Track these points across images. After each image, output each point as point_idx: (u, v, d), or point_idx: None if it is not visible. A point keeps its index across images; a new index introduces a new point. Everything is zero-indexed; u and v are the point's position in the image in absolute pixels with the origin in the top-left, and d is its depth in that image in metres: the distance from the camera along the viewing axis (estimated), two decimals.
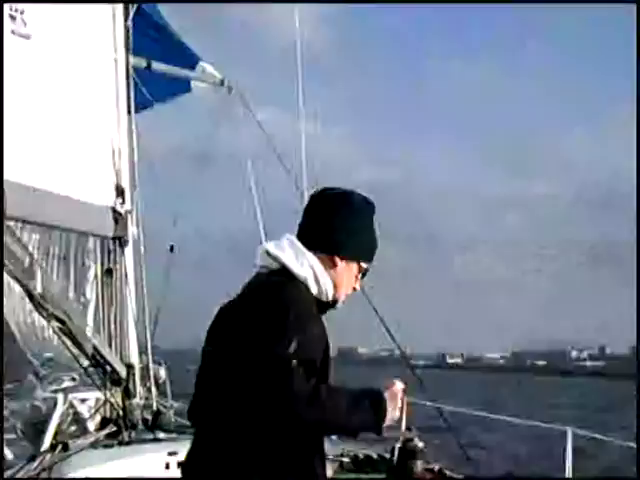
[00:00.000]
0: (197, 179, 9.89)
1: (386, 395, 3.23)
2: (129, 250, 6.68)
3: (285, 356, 3.02)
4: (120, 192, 6.54)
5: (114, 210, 6.38)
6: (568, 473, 6.23)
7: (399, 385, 3.32)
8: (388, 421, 3.23)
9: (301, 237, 3.46)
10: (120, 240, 6.50)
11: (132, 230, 6.68)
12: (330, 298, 3.42)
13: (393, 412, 3.25)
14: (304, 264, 3.37)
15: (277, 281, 3.31)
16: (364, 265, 3.53)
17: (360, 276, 3.54)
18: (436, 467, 4.01)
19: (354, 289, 3.58)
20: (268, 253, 3.39)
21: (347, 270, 3.48)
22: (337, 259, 3.44)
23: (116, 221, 6.34)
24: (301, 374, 3.02)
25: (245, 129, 9.10)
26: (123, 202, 6.52)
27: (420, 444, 3.73)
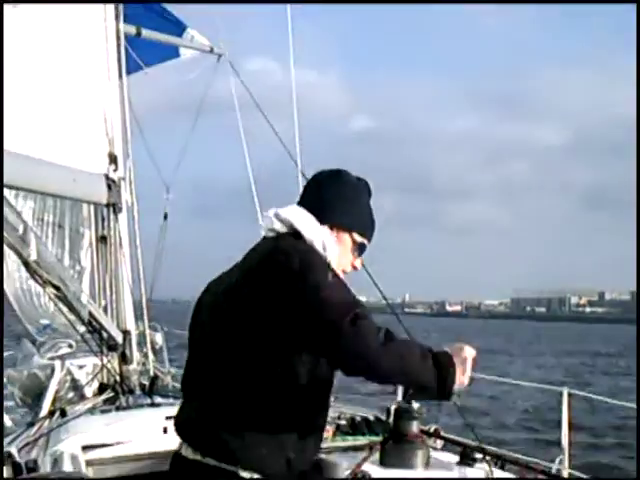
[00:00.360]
0: (192, 132, 9.91)
1: (456, 360, 3.11)
2: (123, 217, 6.66)
3: (351, 299, 3.11)
4: (113, 159, 6.51)
5: (107, 177, 6.35)
6: (564, 434, 6.27)
7: (469, 350, 3.18)
8: (457, 387, 3.09)
9: (299, 203, 3.53)
10: (114, 207, 6.47)
11: (126, 197, 6.66)
12: (333, 266, 3.39)
13: (462, 378, 3.11)
14: (314, 229, 3.41)
15: (296, 242, 3.35)
16: (358, 239, 3.55)
17: (357, 253, 3.55)
18: (432, 428, 4.03)
19: (354, 267, 3.59)
20: (278, 216, 3.43)
21: (341, 242, 3.50)
22: (330, 229, 3.47)
23: (109, 188, 6.32)
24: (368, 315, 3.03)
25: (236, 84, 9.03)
26: (116, 169, 6.50)
27: (416, 405, 3.76)
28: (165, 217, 9.29)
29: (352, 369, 3.05)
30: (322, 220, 3.45)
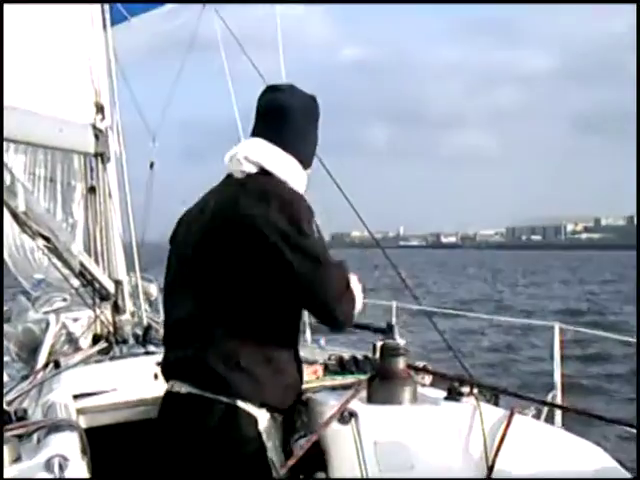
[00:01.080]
0: (179, 76, 9.83)
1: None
2: (111, 166, 6.64)
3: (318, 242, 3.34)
4: (99, 109, 6.49)
5: (94, 127, 6.34)
6: (556, 369, 6.28)
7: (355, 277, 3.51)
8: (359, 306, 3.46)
9: (267, 138, 3.58)
10: (102, 157, 6.46)
11: (114, 146, 6.64)
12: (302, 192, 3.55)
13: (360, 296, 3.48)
14: (285, 168, 3.51)
15: (274, 181, 3.47)
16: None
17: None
18: (420, 364, 4.03)
19: None
20: (248, 159, 3.46)
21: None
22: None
23: (97, 137, 6.30)
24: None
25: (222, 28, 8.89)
26: (103, 118, 6.47)
27: (402, 342, 3.76)
28: (151, 166, 9.24)
29: (336, 329, 3.50)
30: (300, 160, 3.60)
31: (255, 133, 3.63)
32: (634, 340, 6.88)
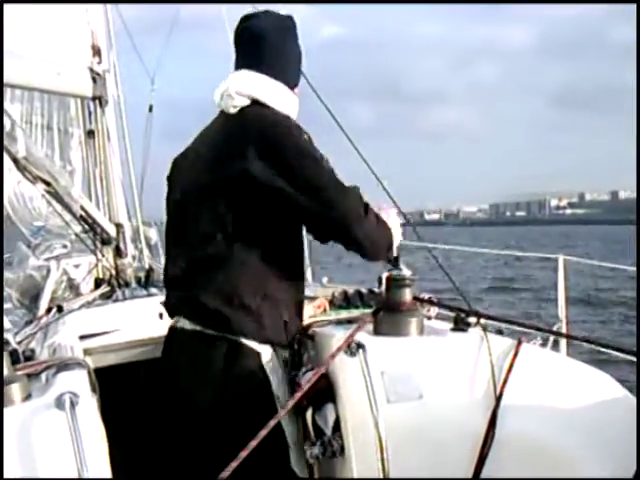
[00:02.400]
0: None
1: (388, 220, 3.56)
2: (110, 110, 6.62)
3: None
4: (96, 51, 6.45)
5: (91, 70, 6.30)
6: (560, 301, 6.30)
7: (392, 210, 3.65)
8: (397, 242, 3.59)
9: (250, 67, 3.59)
10: (100, 100, 6.43)
11: (111, 90, 6.61)
12: (295, 116, 3.61)
13: (398, 231, 3.60)
14: (279, 98, 3.54)
15: (268, 111, 3.49)
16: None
17: None
18: (426, 296, 4.03)
19: None
20: (240, 93, 3.49)
21: None
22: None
23: (94, 81, 6.27)
24: None
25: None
26: (100, 61, 6.44)
27: (408, 273, 3.76)
28: (150, 109, 9.20)
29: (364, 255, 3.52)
30: (288, 82, 3.63)
31: (238, 65, 3.63)
32: (634, 269, 6.89)
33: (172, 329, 3.55)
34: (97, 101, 6.43)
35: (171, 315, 3.60)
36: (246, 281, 3.35)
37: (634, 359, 3.65)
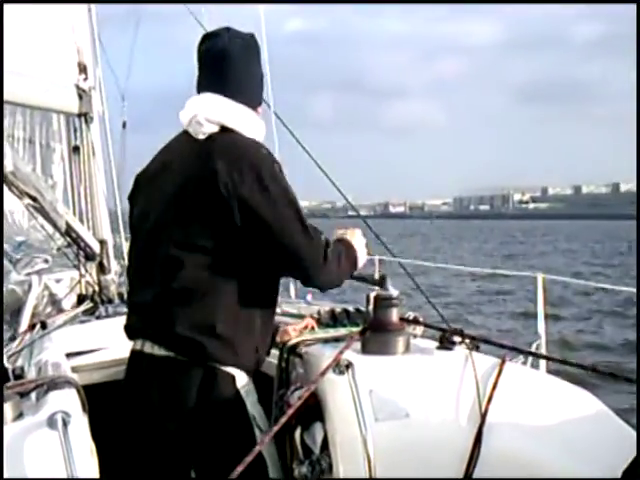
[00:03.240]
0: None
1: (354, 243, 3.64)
2: (95, 126, 6.63)
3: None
4: (82, 69, 6.47)
5: (77, 87, 6.32)
6: (540, 319, 6.35)
7: (357, 231, 3.71)
8: (362, 262, 3.63)
9: (215, 89, 3.60)
10: (85, 117, 6.45)
11: (97, 106, 6.63)
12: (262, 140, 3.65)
13: (363, 251, 3.67)
14: (244, 119, 3.57)
15: (237, 137, 3.52)
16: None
17: None
18: (411, 315, 4.09)
19: None
20: (210, 120, 3.50)
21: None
22: (258, 108, 3.72)
23: (80, 97, 6.29)
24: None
25: None
26: (86, 78, 6.45)
27: (395, 292, 3.81)
28: (124, 126, 9.23)
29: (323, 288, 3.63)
30: (252, 103, 3.66)
31: (201, 85, 3.64)
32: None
33: (138, 353, 3.54)
34: (83, 117, 6.45)
35: (132, 337, 3.59)
36: (220, 309, 3.37)
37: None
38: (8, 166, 4.71)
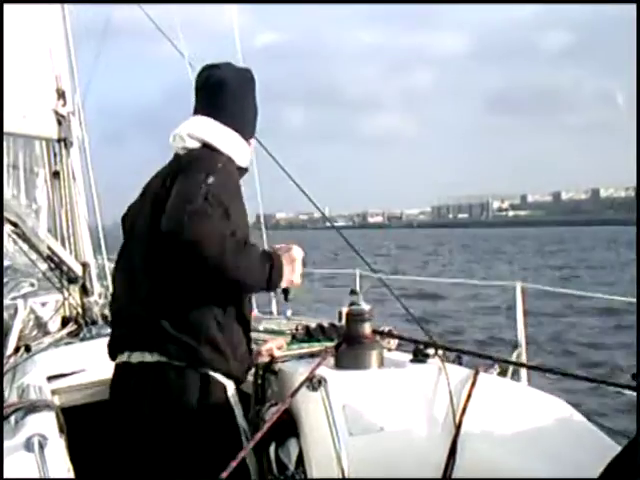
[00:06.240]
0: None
1: (283, 259, 3.47)
2: (75, 151, 6.66)
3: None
4: (61, 94, 6.50)
5: (56, 112, 6.36)
6: (520, 329, 6.36)
7: (297, 251, 3.55)
8: (287, 284, 3.51)
9: (208, 114, 3.69)
10: (65, 142, 6.48)
11: (76, 131, 6.66)
12: (246, 164, 3.74)
13: (291, 275, 3.50)
14: (228, 143, 3.63)
15: (205, 151, 3.57)
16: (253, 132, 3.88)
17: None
18: (386, 329, 4.12)
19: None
20: (192, 136, 3.57)
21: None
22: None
23: (59, 123, 6.33)
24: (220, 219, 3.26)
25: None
26: (64, 104, 6.49)
27: (367, 307, 3.85)
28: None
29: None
30: (242, 133, 3.73)
31: (197, 111, 3.75)
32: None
33: (125, 364, 3.57)
34: (62, 143, 6.48)
35: (118, 351, 3.61)
36: (210, 316, 3.43)
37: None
38: None
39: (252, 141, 3.85)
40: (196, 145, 3.57)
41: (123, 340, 3.61)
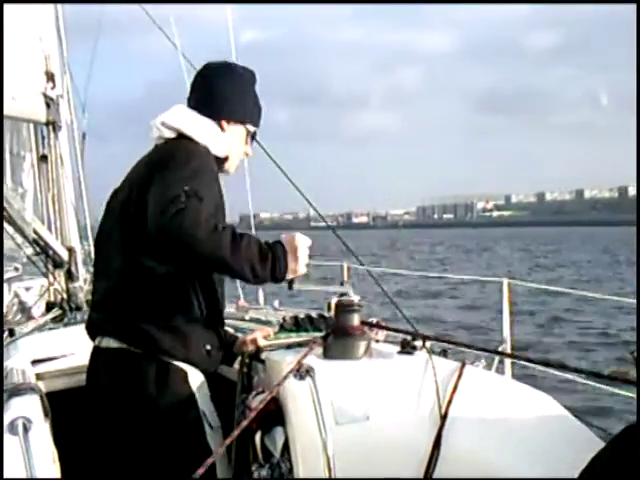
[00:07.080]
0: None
1: (287, 248, 3.32)
2: (63, 135, 6.63)
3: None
4: (50, 77, 6.47)
5: (45, 95, 6.32)
6: (505, 324, 6.40)
7: (301, 238, 3.36)
8: (291, 274, 3.35)
9: (193, 105, 3.72)
10: (53, 125, 6.45)
11: (65, 115, 6.63)
12: (224, 154, 3.67)
13: (295, 265, 3.33)
14: (204, 131, 3.60)
15: (182, 143, 3.53)
16: (251, 128, 3.80)
17: (249, 140, 3.83)
18: (374, 320, 4.13)
19: (246, 154, 3.87)
20: (165, 124, 3.56)
21: (235, 133, 3.74)
22: (224, 123, 3.69)
23: (48, 106, 6.29)
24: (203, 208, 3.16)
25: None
26: (54, 87, 6.45)
27: (356, 298, 3.85)
28: (83, 137, 9.18)
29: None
30: (215, 116, 3.67)
31: (189, 104, 3.76)
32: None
33: (96, 348, 3.62)
34: (50, 126, 6.45)
35: (93, 336, 3.64)
36: (173, 304, 3.46)
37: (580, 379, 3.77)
38: None
39: (229, 124, 3.76)
40: (172, 135, 3.56)
41: (95, 324, 3.66)
